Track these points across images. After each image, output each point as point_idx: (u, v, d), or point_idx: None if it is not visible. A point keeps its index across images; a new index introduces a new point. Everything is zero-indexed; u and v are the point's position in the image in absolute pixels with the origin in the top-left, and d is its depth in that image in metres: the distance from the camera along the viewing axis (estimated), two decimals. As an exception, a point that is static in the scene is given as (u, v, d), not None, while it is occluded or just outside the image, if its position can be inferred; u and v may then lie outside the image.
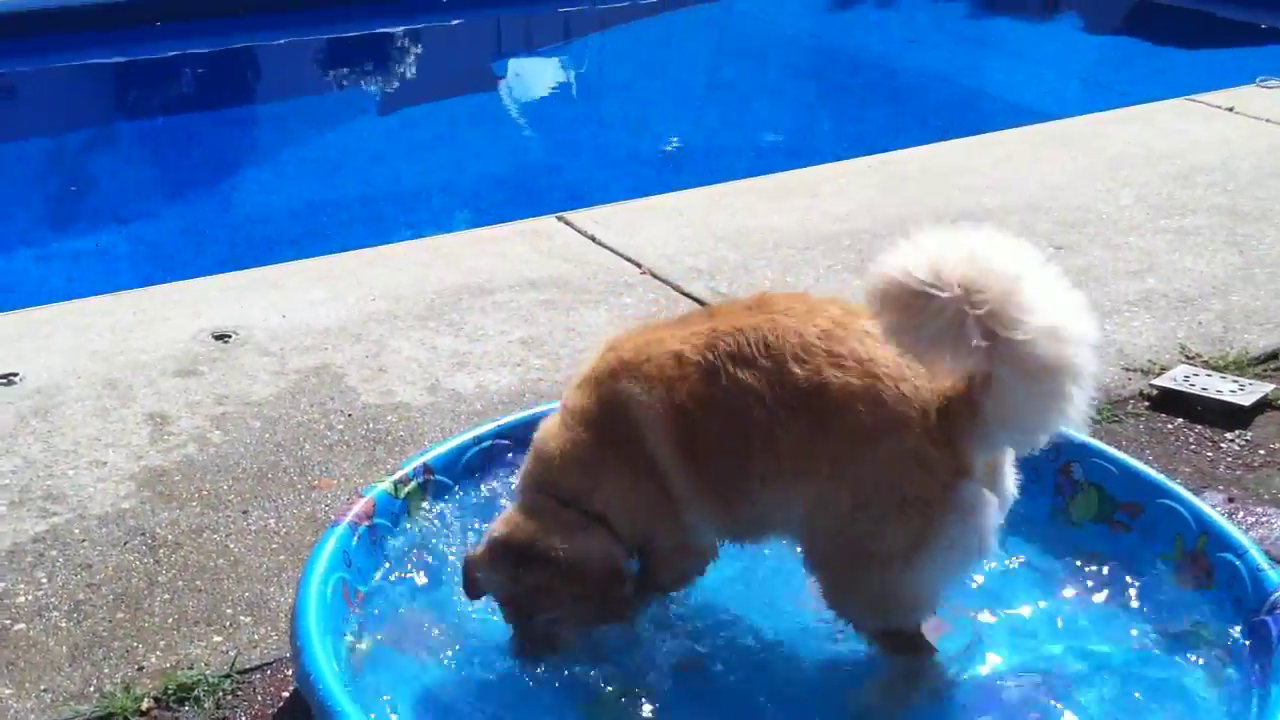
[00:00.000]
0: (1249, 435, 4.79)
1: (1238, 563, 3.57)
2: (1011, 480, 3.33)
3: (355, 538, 3.70)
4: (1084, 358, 2.91)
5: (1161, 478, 3.98)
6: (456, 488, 4.08)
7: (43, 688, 3.60)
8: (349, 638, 3.47)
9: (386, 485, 3.92)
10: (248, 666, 3.67)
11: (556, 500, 3.42)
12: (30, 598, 3.98)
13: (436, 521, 3.99)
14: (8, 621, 3.87)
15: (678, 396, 3.26)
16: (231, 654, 3.71)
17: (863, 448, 3.14)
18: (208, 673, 3.62)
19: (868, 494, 3.16)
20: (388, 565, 3.80)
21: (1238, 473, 4.55)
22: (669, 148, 10.95)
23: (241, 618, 3.87)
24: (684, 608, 3.70)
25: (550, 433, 3.48)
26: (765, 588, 3.80)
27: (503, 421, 4.30)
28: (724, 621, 3.70)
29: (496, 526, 3.49)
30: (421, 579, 3.82)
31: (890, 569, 3.20)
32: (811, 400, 3.15)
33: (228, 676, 3.62)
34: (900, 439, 3.11)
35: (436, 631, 3.64)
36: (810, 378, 3.15)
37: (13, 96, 12.95)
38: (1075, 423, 3.02)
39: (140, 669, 3.66)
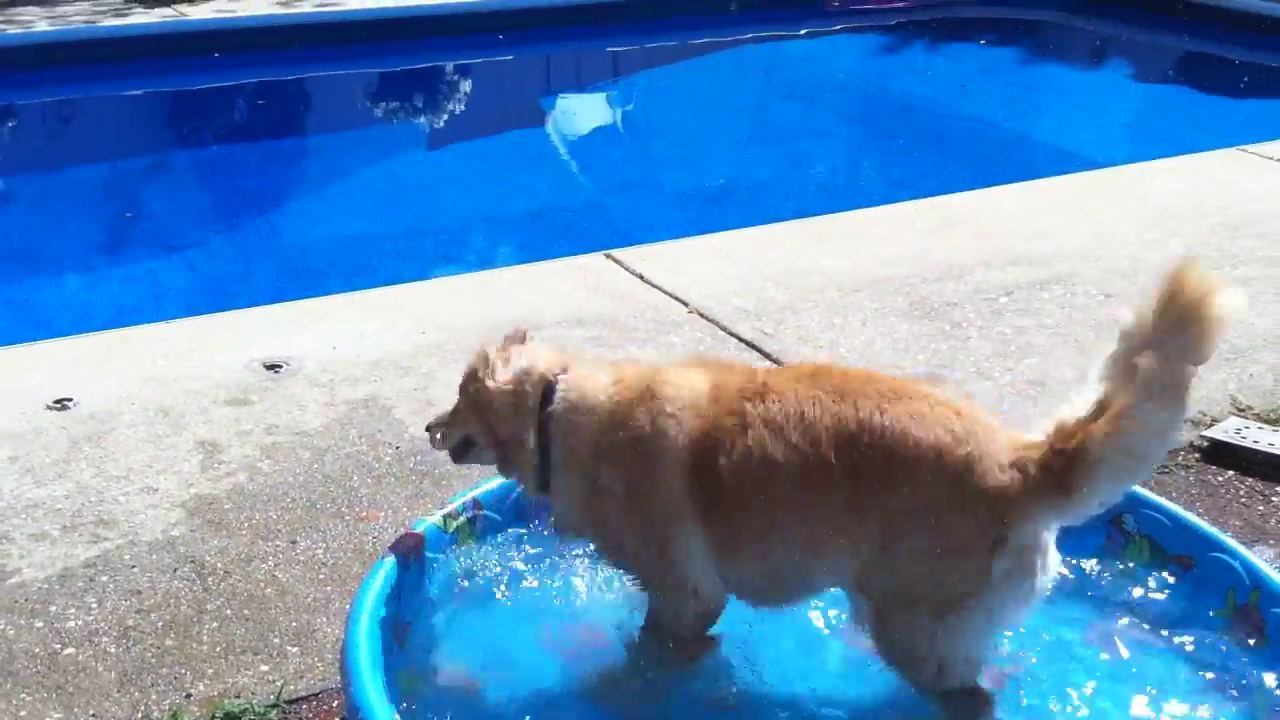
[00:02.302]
0: (1301, 490, 4.74)
1: (1291, 619, 3.54)
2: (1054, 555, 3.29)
3: (405, 571, 3.70)
4: None
5: (1214, 530, 3.94)
6: (506, 524, 4.08)
7: (91, 713, 3.62)
8: (397, 671, 3.47)
9: (436, 519, 3.92)
10: (294, 697, 3.68)
11: None
12: (80, 622, 4.01)
13: (485, 557, 3.99)
14: (58, 645, 3.90)
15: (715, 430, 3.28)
16: (279, 684, 3.72)
17: (917, 492, 3.11)
18: (254, 701, 3.64)
19: (922, 541, 3.14)
20: (436, 600, 3.81)
21: (1290, 528, 4.51)
22: (717, 187, 10.98)
23: (289, 647, 3.89)
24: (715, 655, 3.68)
25: None
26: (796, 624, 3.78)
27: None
28: (756, 659, 3.68)
29: None
30: (470, 614, 3.82)
31: (942, 619, 3.18)
32: (863, 442, 3.13)
33: (274, 706, 3.63)
34: (954, 482, 3.09)
35: (484, 667, 3.64)
36: (863, 420, 3.14)
37: (68, 124, 13.15)
38: None
39: (188, 696, 3.68)
